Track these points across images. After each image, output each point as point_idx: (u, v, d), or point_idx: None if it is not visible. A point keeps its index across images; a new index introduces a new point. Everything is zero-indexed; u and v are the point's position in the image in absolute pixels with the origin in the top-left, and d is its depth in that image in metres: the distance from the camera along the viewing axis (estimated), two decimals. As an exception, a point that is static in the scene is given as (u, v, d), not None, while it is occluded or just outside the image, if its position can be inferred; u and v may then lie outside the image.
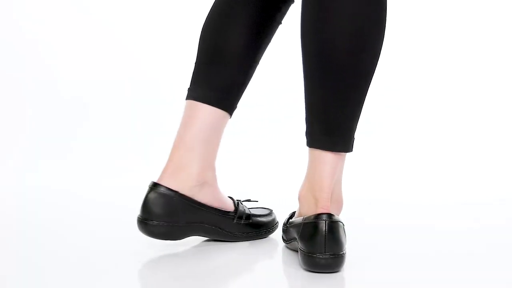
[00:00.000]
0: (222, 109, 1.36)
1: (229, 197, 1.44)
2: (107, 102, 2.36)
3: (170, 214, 1.31)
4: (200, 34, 1.39)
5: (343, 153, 1.25)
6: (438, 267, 1.25)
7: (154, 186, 1.32)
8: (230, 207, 1.41)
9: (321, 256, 1.17)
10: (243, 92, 1.40)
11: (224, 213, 1.40)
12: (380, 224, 1.60)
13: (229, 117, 1.39)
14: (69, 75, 2.40)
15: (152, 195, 1.31)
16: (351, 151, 1.26)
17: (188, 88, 1.39)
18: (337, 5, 1.20)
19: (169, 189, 1.32)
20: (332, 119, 1.23)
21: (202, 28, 1.39)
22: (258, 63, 1.41)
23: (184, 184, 1.33)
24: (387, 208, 1.82)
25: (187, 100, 1.37)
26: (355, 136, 1.26)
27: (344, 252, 1.19)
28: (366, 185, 2.04)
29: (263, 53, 1.41)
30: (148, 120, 2.35)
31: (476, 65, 2.34)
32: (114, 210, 1.77)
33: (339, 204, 1.30)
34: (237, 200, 1.44)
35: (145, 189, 1.33)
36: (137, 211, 1.32)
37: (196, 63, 1.39)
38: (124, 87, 2.37)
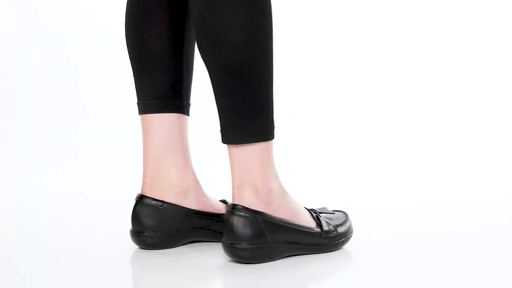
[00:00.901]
0: (174, 112, 1.35)
1: (222, 200, 1.43)
2: (107, 102, 2.36)
3: (160, 223, 1.32)
4: (126, 42, 1.38)
5: (247, 145, 1.22)
6: (438, 267, 1.25)
7: (141, 198, 1.33)
8: (221, 210, 1.40)
9: (236, 246, 1.21)
10: (189, 87, 1.38)
11: (216, 216, 1.39)
12: (379, 224, 1.60)
13: (187, 116, 1.38)
14: (69, 75, 2.40)
15: (139, 207, 1.33)
16: (248, 142, 1.22)
17: (136, 103, 1.38)
18: None
19: (155, 199, 1.33)
20: (222, 112, 1.23)
21: (125, 37, 1.38)
22: (193, 53, 1.38)
23: (168, 193, 1.34)
24: (386, 208, 1.82)
25: (140, 115, 1.37)
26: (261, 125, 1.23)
27: (259, 244, 1.20)
28: (366, 185, 2.04)
29: (192, 42, 1.38)
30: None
31: (477, 64, 2.34)
32: (114, 210, 1.77)
33: (262, 195, 1.24)
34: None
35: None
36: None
37: (133, 75, 1.38)
38: (124, 87, 2.37)
